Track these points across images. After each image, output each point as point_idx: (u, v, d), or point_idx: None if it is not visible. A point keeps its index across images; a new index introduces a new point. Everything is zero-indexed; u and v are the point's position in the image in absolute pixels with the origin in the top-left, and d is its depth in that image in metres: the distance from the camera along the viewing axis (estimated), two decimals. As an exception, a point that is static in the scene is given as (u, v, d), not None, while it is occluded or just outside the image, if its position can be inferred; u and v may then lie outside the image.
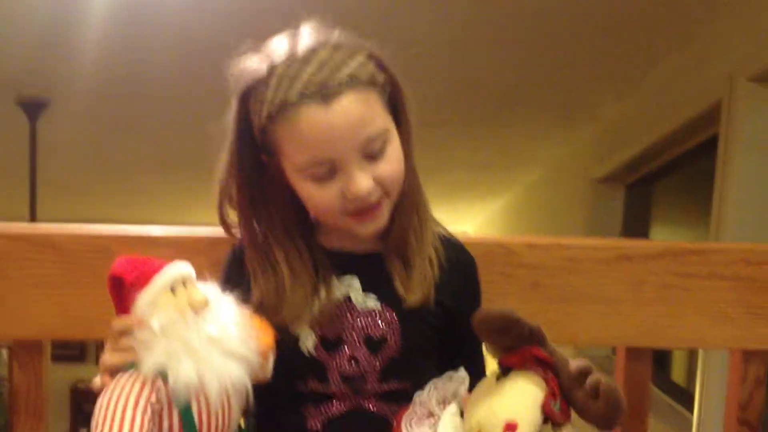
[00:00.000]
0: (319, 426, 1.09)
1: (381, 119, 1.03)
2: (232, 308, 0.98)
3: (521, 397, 0.94)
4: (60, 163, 4.52)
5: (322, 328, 1.08)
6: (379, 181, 1.03)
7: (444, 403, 1.01)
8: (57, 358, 7.13)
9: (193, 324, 0.92)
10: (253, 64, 1.02)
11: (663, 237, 3.73)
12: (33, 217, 3.85)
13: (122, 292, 0.94)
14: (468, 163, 4.80)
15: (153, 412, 0.88)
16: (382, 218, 1.07)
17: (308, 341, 1.08)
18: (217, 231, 1.22)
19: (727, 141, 2.43)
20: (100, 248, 1.24)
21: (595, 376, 0.94)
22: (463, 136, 4.19)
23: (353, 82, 0.99)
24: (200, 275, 1.06)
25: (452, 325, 1.15)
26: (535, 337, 0.97)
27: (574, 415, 0.95)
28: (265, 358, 0.99)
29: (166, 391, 0.89)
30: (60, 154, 4.35)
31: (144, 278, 0.93)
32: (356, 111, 0.99)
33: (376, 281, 1.11)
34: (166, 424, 0.90)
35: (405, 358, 1.10)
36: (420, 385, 1.08)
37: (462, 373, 1.05)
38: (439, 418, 1.00)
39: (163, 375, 0.89)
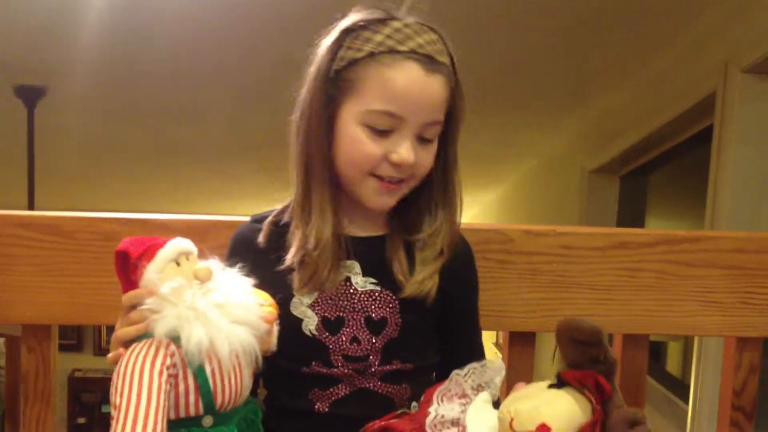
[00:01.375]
0: (326, 408, 1.12)
1: (443, 115, 1.11)
2: (234, 279, 1.02)
3: (566, 411, 0.96)
4: (57, 150, 4.52)
5: (323, 310, 1.12)
6: (414, 167, 1.09)
7: (478, 389, 1.04)
8: (52, 346, 7.15)
9: (199, 291, 0.95)
10: (369, 11, 1.09)
11: (657, 229, 3.74)
12: (31, 205, 3.85)
13: (128, 268, 0.97)
14: (460, 154, 4.81)
15: (170, 375, 0.91)
16: (395, 198, 1.13)
17: (311, 322, 1.11)
18: (219, 218, 1.26)
19: (722, 132, 2.44)
20: (108, 235, 1.27)
21: (645, 429, 0.96)
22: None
23: (447, 71, 1.08)
24: (202, 257, 1.09)
25: (452, 311, 1.18)
26: (607, 367, 1.00)
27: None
28: (270, 325, 1.02)
29: (179, 354, 0.92)
30: (57, 142, 4.34)
31: (149, 252, 0.97)
32: (441, 93, 1.08)
33: (377, 265, 1.14)
34: (182, 386, 0.93)
35: (404, 339, 1.13)
36: (422, 368, 1.13)
37: (500, 363, 1.07)
38: (471, 401, 1.02)
39: (175, 339, 0.92)
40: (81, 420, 7.47)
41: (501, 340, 1.24)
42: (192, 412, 0.95)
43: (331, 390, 1.12)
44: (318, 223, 1.11)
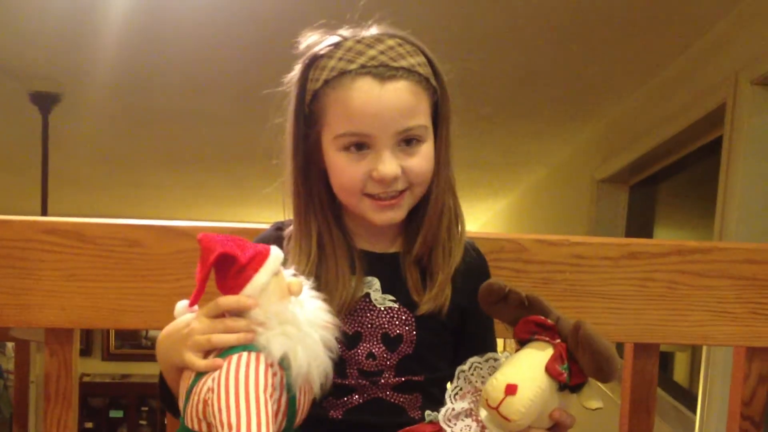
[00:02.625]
0: (340, 415, 1.14)
1: (424, 116, 1.08)
2: (307, 290, 1.00)
3: (523, 362, 1.00)
4: (71, 157, 4.55)
5: (342, 323, 1.10)
6: (406, 173, 1.07)
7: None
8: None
9: (298, 308, 0.94)
10: (324, 37, 1.09)
11: (666, 238, 3.75)
12: (44, 211, 3.88)
13: (229, 271, 0.93)
14: (469, 162, 4.82)
15: (270, 396, 0.89)
16: (399, 210, 1.11)
17: None
18: (241, 225, 1.28)
19: (731, 143, 2.46)
20: (131, 241, 1.29)
21: (582, 329, 0.98)
22: (465, 134, 4.17)
23: (410, 73, 1.05)
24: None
25: (466, 324, 1.19)
26: (533, 305, 1.03)
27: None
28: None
29: (281, 376, 0.91)
30: (71, 148, 4.38)
31: (257, 260, 0.93)
32: (405, 98, 1.05)
33: (394, 282, 1.15)
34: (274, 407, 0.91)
35: (419, 355, 1.14)
36: (433, 379, 1.15)
37: (505, 356, 1.09)
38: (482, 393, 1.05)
39: (281, 361, 0.90)
40: (89, 425, 7.50)
41: (508, 349, 1.26)
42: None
43: (346, 399, 1.14)
44: (296, 253, 1.12)
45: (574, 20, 2.57)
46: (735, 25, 2.48)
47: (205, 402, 0.89)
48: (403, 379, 1.14)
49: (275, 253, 0.95)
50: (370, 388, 1.14)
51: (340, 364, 1.10)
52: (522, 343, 1.03)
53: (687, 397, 3.05)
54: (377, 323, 1.13)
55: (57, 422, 1.32)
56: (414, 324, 1.13)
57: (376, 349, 1.13)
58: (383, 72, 1.04)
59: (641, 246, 1.39)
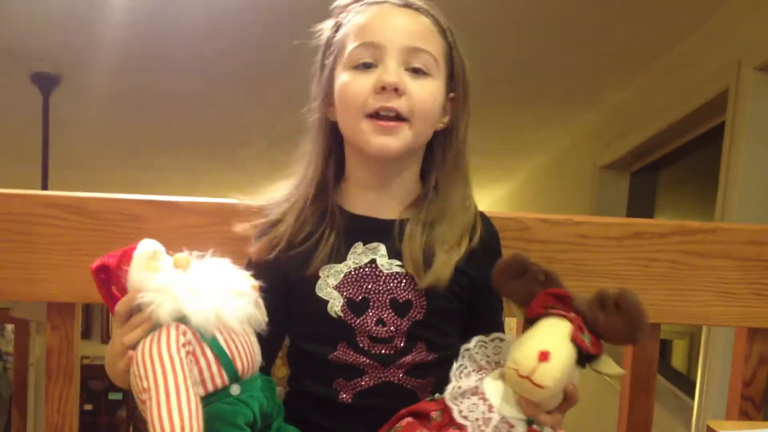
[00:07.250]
0: (350, 399, 1.13)
1: (435, 50, 1.12)
2: (212, 263, 1.03)
3: (551, 332, 0.99)
4: (72, 138, 4.54)
5: (348, 291, 1.12)
6: (408, 98, 1.09)
7: (497, 365, 1.06)
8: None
9: (186, 276, 0.98)
10: None
11: (667, 224, 3.73)
12: (44, 192, 3.88)
13: (111, 281, 1.01)
14: (471, 148, 4.81)
15: (187, 353, 0.93)
16: (396, 139, 1.10)
17: (336, 304, 1.11)
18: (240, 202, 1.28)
19: (733, 130, 2.46)
20: (134, 216, 1.29)
21: (614, 292, 0.99)
22: (467, 120, 4.20)
23: (428, 13, 1.12)
24: (226, 243, 1.11)
25: (475, 294, 1.18)
26: (549, 281, 1.03)
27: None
28: (257, 292, 1.04)
29: (190, 331, 0.94)
30: (72, 130, 4.37)
31: (126, 257, 1.00)
32: (418, 24, 1.11)
33: (401, 248, 1.13)
34: (202, 361, 0.95)
35: (429, 322, 1.13)
36: (447, 357, 1.12)
37: (513, 337, 1.08)
38: (487, 372, 1.05)
39: (182, 319, 0.94)
40: (88, 407, 7.53)
41: (513, 327, 1.26)
42: (219, 383, 0.96)
43: (356, 381, 1.13)
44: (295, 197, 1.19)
45: (575, 6, 2.56)
46: (738, 11, 2.47)
47: (135, 391, 0.94)
48: (414, 357, 1.13)
49: (144, 242, 1.01)
50: (381, 371, 1.12)
51: (349, 333, 1.12)
52: (533, 322, 1.02)
53: (685, 383, 3.06)
54: (384, 288, 1.12)
55: (58, 398, 1.32)
56: (423, 290, 1.12)
57: (385, 315, 1.12)
58: (401, 3, 1.12)
59: (644, 226, 1.39)
